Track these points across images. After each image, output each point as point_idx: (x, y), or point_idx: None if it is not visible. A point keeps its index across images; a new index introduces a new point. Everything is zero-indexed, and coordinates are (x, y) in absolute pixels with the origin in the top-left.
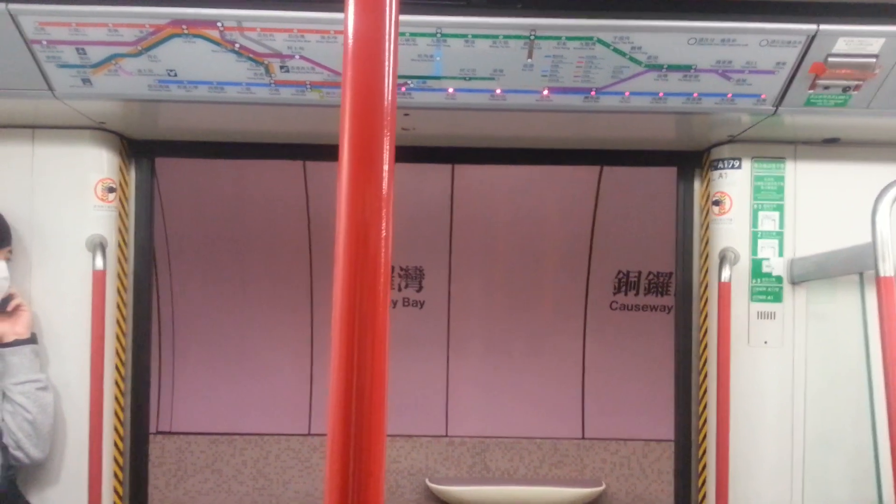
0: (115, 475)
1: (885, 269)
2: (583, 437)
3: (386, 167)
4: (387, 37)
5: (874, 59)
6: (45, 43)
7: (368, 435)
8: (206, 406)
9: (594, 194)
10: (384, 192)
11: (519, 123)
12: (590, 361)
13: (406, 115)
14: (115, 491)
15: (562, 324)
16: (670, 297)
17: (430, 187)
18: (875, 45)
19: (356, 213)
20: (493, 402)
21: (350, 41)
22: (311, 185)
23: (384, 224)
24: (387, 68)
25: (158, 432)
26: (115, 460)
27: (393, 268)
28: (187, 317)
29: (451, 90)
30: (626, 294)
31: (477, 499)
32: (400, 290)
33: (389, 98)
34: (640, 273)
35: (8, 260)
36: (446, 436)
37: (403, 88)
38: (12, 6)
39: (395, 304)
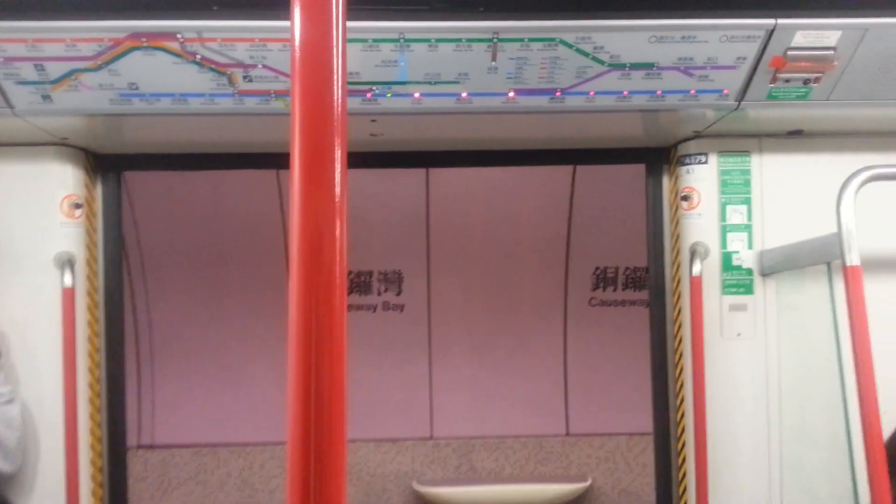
0: (94, 492)
1: (852, 259)
2: (567, 434)
3: (338, 174)
4: (334, 43)
5: (832, 52)
6: (1, 60)
7: (329, 441)
8: (188, 418)
9: (569, 192)
10: (337, 198)
11: (488, 126)
12: (571, 358)
13: (373, 120)
14: None
15: (542, 322)
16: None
17: (406, 191)
18: (832, 38)
19: (309, 220)
20: (478, 403)
21: (297, 49)
22: (285, 193)
23: (338, 230)
24: (335, 75)
25: (140, 446)
26: (93, 477)
27: (371, 272)
28: (165, 329)
29: (417, 95)
30: (604, 290)
31: (464, 499)
32: (379, 294)
33: (339, 104)
34: (617, 268)
35: None
36: (431, 438)
37: (369, 94)
38: None
39: (374, 308)
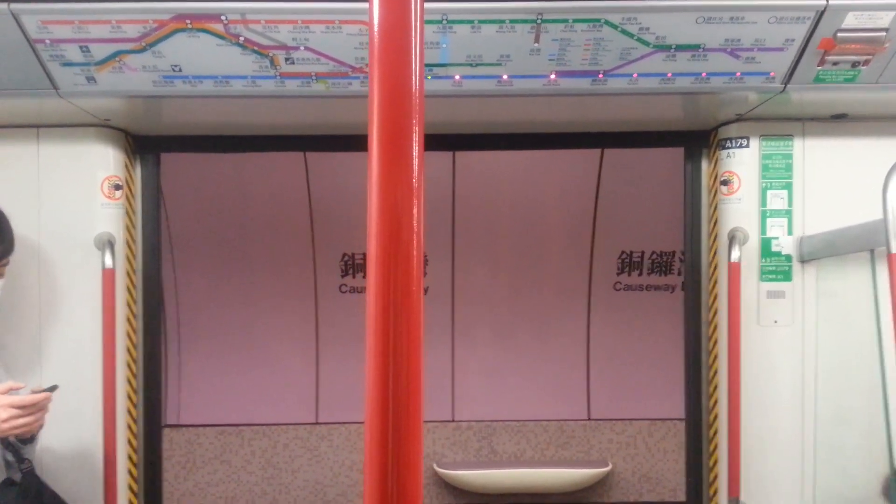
0: (129, 471)
1: None
2: (588, 419)
3: (416, 156)
4: (413, 24)
5: (884, 33)
6: (48, 42)
7: (406, 423)
8: (214, 398)
9: (596, 175)
10: (415, 181)
11: (522, 108)
12: (594, 343)
13: None
14: (130, 487)
15: (566, 306)
16: (674, 276)
17: (431, 173)
18: (885, 19)
19: (388, 204)
20: (499, 386)
21: (376, 31)
22: (312, 175)
23: (416, 213)
24: (414, 56)
25: (167, 425)
26: (129, 456)
27: None
28: (192, 310)
29: (457, 77)
30: (629, 274)
31: (485, 482)
32: None
33: (417, 86)
34: (643, 253)
35: (1, 276)
36: (453, 420)
37: None
38: (14, 6)
39: None
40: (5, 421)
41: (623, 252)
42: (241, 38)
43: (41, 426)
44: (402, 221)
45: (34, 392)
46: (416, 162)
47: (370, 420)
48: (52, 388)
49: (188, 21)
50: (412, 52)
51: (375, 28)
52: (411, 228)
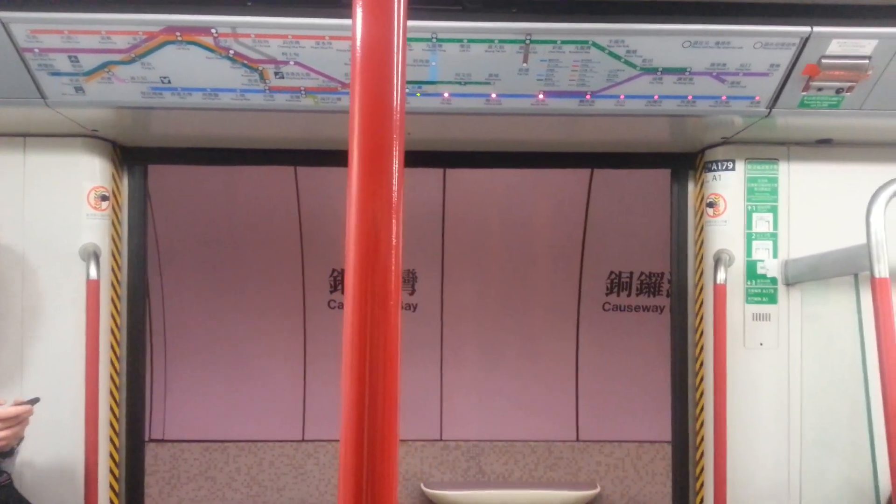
0: (111, 485)
1: (881, 271)
2: (577, 440)
3: (396, 173)
4: (395, 42)
5: (867, 61)
6: (36, 51)
7: (381, 440)
8: (199, 413)
9: (585, 195)
10: (394, 197)
11: (513, 127)
12: (583, 363)
13: None
14: (111, 502)
15: (555, 326)
16: (662, 297)
17: (422, 190)
18: (868, 47)
19: (366, 220)
20: (488, 405)
21: (358, 47)
22: (302, 190)
23: (394, 228)
24: (395, 73)
25: (151, 440)
26: (111, 470)
27: None
28: (179, 324)
29: (446, 95)
30: (618, 295)
31: (472, 503)
32: None
33: (398, 103)
34: (631, 273)
35: None
36: (441, 440)
37: None
38: (3, 14)
39: None
40: None
41: (612, 272)
42: (231, 52)
43: (21, 440)
44: (380, 236)
45: (16, 404)
46: (395, 178)
47: (346, 434)
48: (34, 401)
49: (178, 33)
50: (394, 70)
51: (358, 45)
52: (389, 243)
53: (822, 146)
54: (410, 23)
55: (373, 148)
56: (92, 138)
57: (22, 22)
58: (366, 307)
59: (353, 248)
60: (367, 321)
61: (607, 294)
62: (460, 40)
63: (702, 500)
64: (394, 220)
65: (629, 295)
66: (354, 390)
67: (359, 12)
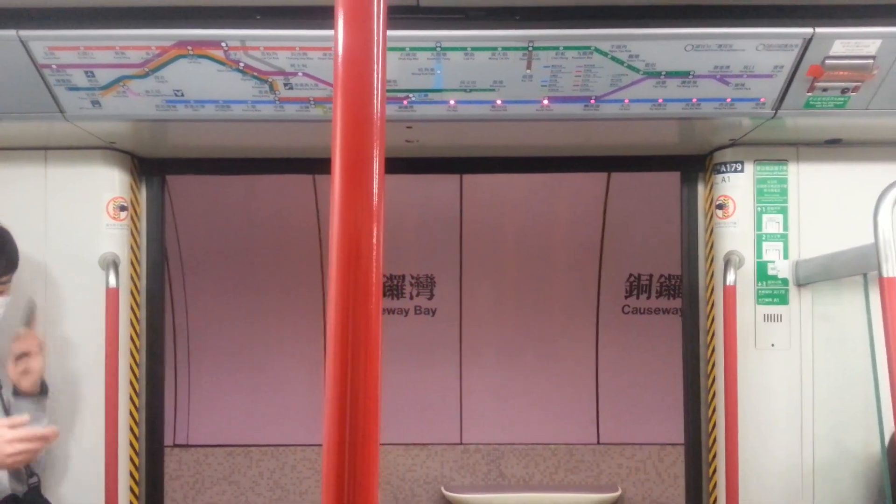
0: (132, 489)
1: (889, 270)
2: (598, 443)
3: (376, 180)
4: (375, 51)
5: (871, 61)
6: (54, 67)
7: (363, 444)
8: (222, 418)
9: (603, 198)
10: (375, 204)
11: (522, 132)
12: (603, 366)
13: (409, 127)
14: None
15: (574, 328)
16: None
17: (439, 196)
18: (872, 47)
19: (348, 225)
20: (507, 409)
21: (339, 57)
22: (321, 197)
23: (376, 234)
24: (375, 82)
25: (175, 445)
26: (132, 475)
27: (404, 276)
28: (202, 330)
29: (452, 102)
30: (637, 297)
31: None
32: (412, 298)
33: (378, 111)
34: (651, 276)
35: (3, 294)
36: (461, 443)
37: (405, 102)
38: (23, 32)
39: (406, 312)
40: (9, 455)
41: (631, 274)
42: (241, 64)
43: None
44: (361, 242)
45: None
46: (376, 185)
47: (328, 436)
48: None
49: (189, 48)
50: (374, 80)
51: (339, 56)
52: (371, 247)
53: (832, 146)
54: (414, 33)
55: (354, 157)
56: (110, 150)
57: (40, 39)
58: (348, 312)
59: (335, 253)
60: (350, 324)
61: (627, 297)
62: (464, 48)
63: (715, 501)
64: (375, 226)
65: (649, 297)
66: (336, 392)
67: (340, 23)
